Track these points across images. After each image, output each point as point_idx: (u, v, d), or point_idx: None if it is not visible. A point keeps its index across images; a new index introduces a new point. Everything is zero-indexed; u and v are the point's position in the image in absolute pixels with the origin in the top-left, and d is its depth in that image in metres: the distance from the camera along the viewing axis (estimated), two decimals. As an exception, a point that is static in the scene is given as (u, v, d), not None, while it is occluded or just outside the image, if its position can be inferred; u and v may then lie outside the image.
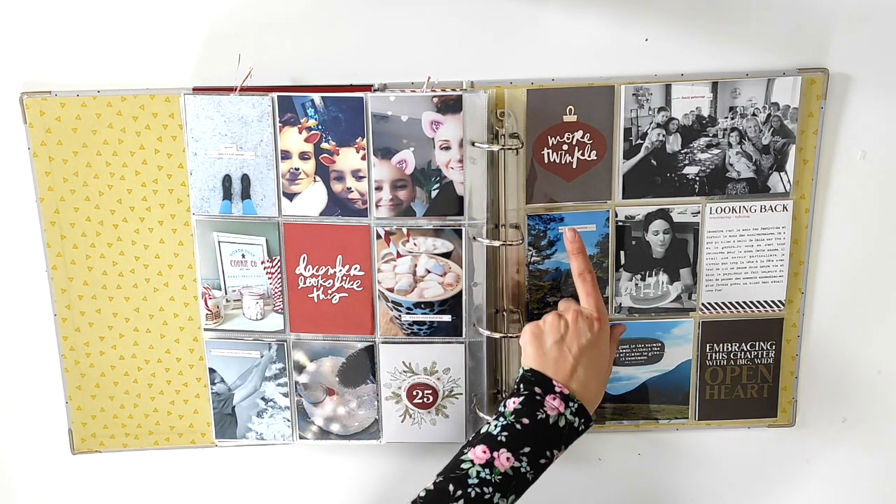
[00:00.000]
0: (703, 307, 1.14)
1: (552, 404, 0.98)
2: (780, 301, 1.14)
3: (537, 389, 0.99)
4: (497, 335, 1.11)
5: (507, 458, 0.95)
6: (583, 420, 1.00)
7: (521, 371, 1.02)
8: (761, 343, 1.15)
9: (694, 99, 1.06)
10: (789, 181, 1.09)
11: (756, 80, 1.06)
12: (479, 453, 0.96)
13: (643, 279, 1.13)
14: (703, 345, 1.15)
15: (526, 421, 0.97)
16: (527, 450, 0.96)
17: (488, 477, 0.94)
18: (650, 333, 1.15)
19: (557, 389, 0.99)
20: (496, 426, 0.98)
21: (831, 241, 1.13)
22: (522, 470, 0.96)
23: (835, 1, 1.06)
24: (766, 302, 1.14)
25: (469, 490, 0.94)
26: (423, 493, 0.96)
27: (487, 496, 0.94)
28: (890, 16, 1.06)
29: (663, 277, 1.13)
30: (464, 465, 0.96)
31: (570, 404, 0.99)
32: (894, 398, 1.20)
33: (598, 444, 1.21)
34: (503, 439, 0.96)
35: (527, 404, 0.98)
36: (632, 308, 1.14)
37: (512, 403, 0.99)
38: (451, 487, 0.94)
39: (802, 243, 1.12)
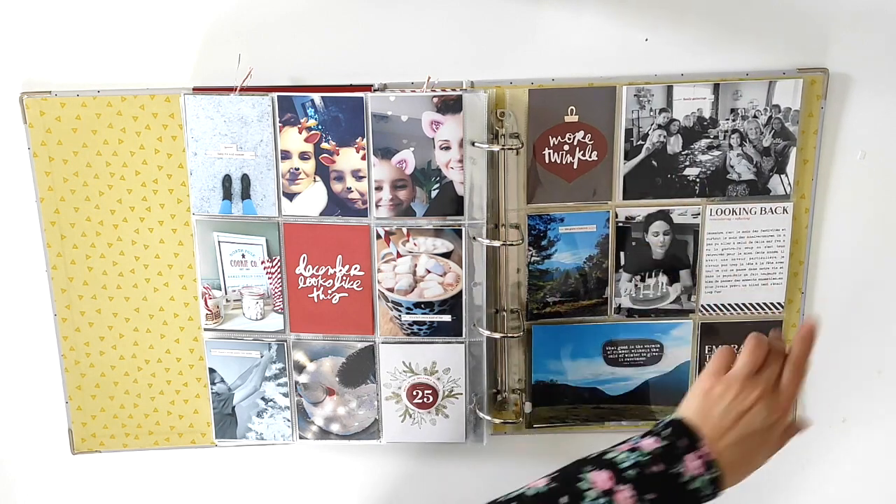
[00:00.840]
0: (702, 309, 1.14)
1: (693, 463, 0.88)
2: (779, 303, 1.14)
3: (683, 441, 0.89)
4: (497, 335, 1.11)
5: (629, 498, 0.86)
6: (714, 493, 0.89)
7: (673, 416, 0.94)
8: (759, 345, 1.15)
9: (695, 100, 1.06)
10: (790, 184, 1.09)
11: (757, 82, 1.06)
12: (602, 478, 0.88)
13: (643, 280, 1.13)
14: (703, 346, 1.15)
15: (660, 468, 0.88)
16: (651, 497, 0.87)
17: None
18: (649, 334, 1.15)
19: (704, 451, 0.89)
20: (628, 460, 0.89)
21: (831, 241, 1.13)
22: None
23: (835, 1, 1.05)
24: (765, 304, 1.14)
25: None
26: (529, 493, 0.89)
27: None
28: (890, 16, 1.06)
29: (663, 279, 1.13)
30: (581, 483, 0.88)
31: (712, 470, 0.88)
32: (894, 398, 1.20)
33: (598, 444, 1.21)
34: (631, 476, 0.88)
35: (666, 452, 0.89)
36: (631, 309, 1.14)
37: (652, 443, 0.90)
38: (565, 500, 0.87)
39: (802, 243, 1.12)
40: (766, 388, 0.93)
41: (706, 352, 1.15)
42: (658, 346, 1.15)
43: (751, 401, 0.92)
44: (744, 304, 1.13)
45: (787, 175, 1.09)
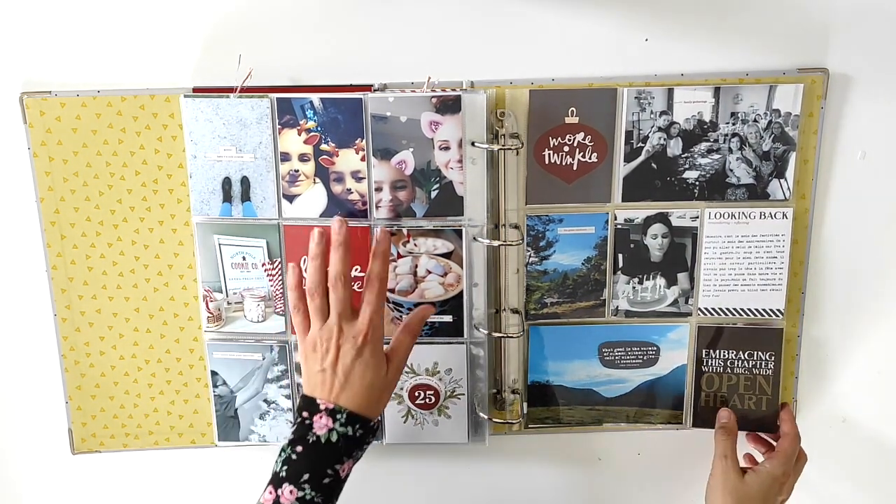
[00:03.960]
0: (700, 312, 1.14)
1: (319, 423, 0.96)
2: (778, 310, 1.13)
3: (305, 413, 0.97)
4: (497, 335, 1.11)
5: (291, 492, 0.93)
6: (359, 426, 0.97)
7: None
8: (759, 353, 1.14)
9: (696, 103, 1.06)
10: (789, 188, 1.09)
11: (758, 87, 1.06)
12: (266, 496, 0.94)
13: (641, 282, 1.13)
14: (700, 350, 1.15)
15: (300, 448, 0.95)
16: (306, 476, 0.94)
17: None
18: (646, 337, 1.15)
19: (322, 407, 0.96)
20: (278, 462, 0.96)
21: (831, 242, 1.13)
22: (308, 497, 0.94)
23: (835, 1, 1.05)
24: (764, 310, 1.13)
25: None
26: None
27: None
28: (890, 16, 1.06)
29: (661, 281, 1.12)
30: None
31: (338, 416, 0.96)
32: (894, 398, 1.20)
33: (599, 443, 1.21)
34: (284, 474, 0.95)
35: (297, 431, 0.96)
36: (629, 311, 1.14)
37: (288, 433, 0.97)
38: None
39: (802, 243, 1.12)
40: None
41: (703, 356, 1.15)
42: (655, 348, 1.15)
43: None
44: (742, 309, 1.13)
45: (786, 179, 1.09)
